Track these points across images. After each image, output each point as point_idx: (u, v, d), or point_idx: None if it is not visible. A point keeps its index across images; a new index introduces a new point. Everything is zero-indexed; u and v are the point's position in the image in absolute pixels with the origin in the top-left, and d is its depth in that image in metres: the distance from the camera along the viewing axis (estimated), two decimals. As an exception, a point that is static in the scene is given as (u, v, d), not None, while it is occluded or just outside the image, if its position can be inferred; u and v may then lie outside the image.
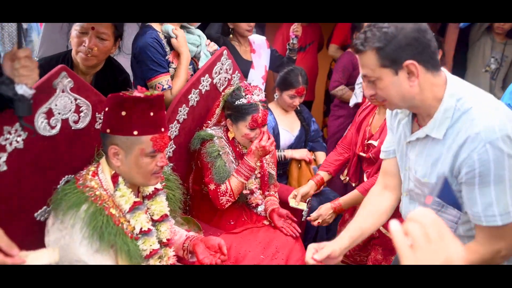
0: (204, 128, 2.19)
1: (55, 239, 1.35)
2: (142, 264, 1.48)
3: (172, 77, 2.14)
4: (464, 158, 1.22)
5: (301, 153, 2.75)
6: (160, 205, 1.59)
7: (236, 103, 2.07)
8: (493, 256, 1.27)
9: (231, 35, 2.81)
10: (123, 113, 1.36)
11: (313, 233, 2.53)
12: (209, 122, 2.20)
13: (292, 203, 2.31)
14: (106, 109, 1.43)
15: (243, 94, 2.07)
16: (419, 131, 1.35)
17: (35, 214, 1.50)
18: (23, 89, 1.23)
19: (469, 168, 1.21)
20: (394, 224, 0.69)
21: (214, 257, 1.62)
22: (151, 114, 1.38)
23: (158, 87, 2.07)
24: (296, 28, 2.94)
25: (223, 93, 2.19)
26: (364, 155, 2.16)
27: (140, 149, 1.40)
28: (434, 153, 1.32)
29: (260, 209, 2.22)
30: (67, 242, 1.32)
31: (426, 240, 0.66)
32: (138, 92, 1.39)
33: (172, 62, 2.17)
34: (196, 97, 2.16)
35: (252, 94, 2.08)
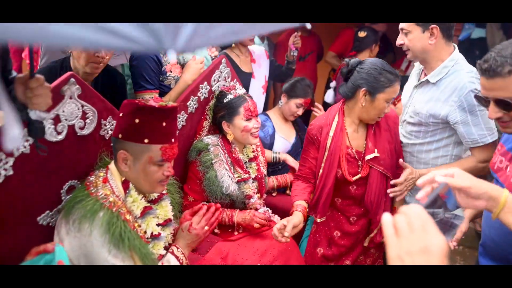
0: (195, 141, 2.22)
1: (72, 247, 1.36)
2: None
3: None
4: (455, 101, 1.87)
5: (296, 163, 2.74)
6: (165, 210, 1.61)
7: (224, 101, 2.16)
8: (483, 165, 1.88)
9: (233, 45, 2.85)
10: (137, 120, 1.40)
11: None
12: (198, 136, 2.25)
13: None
14: (120, 114, 1.46)
15: (227, 92, 2.18)
16: (424, 78, 2.00)
17: (38, 218, 1.51)
18: (37, 115, 1.25)
19: (460, 108, 1.87)
20: (385, 216, 0.78)
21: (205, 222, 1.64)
22: (164, 124, 1.42)
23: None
24: (296, 41, 2.98)
25: (207, 107, 2.25)
26: (356, 177, 2.02)
27: (149, 157, 1.43)
28: (429, 94, 1.98)
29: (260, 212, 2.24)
30: (89, 250, 1.34)
31: (410, 230, 0.74)
32: (153, 102, 1.42)
33: (171, 71, 2.23)
34: (194, 104, 2.19)
35: (235, 89, 2.19)
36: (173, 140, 1.47)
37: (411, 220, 0.75)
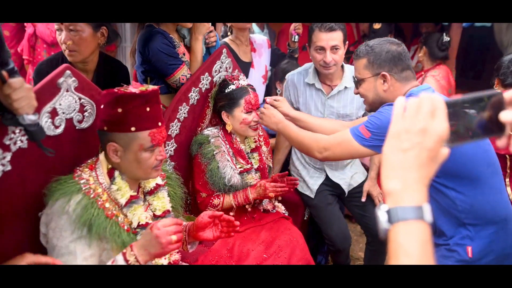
0: (199, 132, 2.21)
1: (44, 223, 1.37)
2: None
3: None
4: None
5: None
6: (162, 201, 1.58)
7: (226, 91, 2.12)
8: None
9: (229, 33, 2.81)
10: (119, 110, 1.35)
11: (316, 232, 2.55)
12: (202, 125, 2.23)
13: None
14: (102, 106, 1.42)
15: (230, 82, 2.13)
16: (339, 86, 2.35)
17: (39, 214, 1.49)
18: (26, 119, 1.21)
19: None
20: (399, 98, 0.76)
21: (217, 229, 1.58)
22: (147, 109, 1.37)
23: (182, 79, 2.14)
24: (297, 26, 2.94)
25: (209, 94, 2.21)
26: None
27: (139, 144, 1.39)
28: (350, 96, 2.33)
29: (265, 203, 2.23)
30: (53, 227, 1.33)
31: (416, 111, 0.72)
32: (133, 88, 1.37)
33: (183, 55, 2.20)
34: (196, 96, 2.16)
35: (239, 80, 2.15)
36: (159, 123, 1.42)
37: (422, 103, 0.73)
